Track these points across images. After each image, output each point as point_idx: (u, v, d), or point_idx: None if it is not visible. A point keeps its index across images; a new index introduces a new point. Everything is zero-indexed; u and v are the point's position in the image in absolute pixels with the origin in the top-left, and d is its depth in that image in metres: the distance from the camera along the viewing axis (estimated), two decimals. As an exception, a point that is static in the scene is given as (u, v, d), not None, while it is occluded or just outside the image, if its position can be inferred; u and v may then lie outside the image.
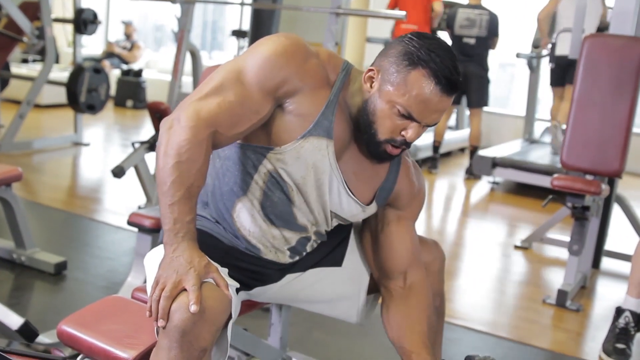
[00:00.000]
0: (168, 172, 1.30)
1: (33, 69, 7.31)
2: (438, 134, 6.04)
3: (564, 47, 5.02)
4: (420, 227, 4.21)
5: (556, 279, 3.59)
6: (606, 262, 3.77)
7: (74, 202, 4.28)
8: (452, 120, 7.07)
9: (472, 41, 5.79)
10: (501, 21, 5.83)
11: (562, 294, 3.12)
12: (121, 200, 4.29)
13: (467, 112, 6.41)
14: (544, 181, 4.89)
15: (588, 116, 3.02)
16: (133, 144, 3.72)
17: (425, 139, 6.01)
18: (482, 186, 5.76)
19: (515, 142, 6.41)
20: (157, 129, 3.48)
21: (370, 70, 1.44)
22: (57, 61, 6.54)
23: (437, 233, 4.35)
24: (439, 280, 1.76)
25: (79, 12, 5.60)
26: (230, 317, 1.32)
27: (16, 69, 7.13)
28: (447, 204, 5.33)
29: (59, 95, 6.30)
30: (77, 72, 5.28)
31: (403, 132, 1.42)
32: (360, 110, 1.46)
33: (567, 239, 3.42)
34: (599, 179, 3.06)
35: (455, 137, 6.89)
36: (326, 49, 1.55)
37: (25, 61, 8.12)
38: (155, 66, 9.26)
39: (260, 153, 1.46)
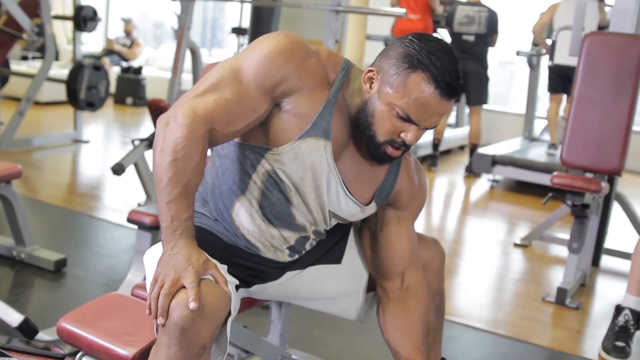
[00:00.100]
0: (165, 170, 1.30)
1: (33, 66, 7.31)
2: (438, 131, 6.04)
3: (562, 56, 5.03)
4: (420, 225, 4.21)
5: (556, 276, 3.59)
6: (606, 260, 3.77)
7: (73, 200, 4.28)
8: (451, 118, 7.07)
9: (471, 38, 5.78)
10: (501, 18, 5.82)
11: (561, 292, 3.12)
12: (121, 198, 4.29)
13: (467, 110, 6.40)
14: (543, 179, 4.89)
15: (588, 114, 3.02)
16: (133, 142, 3.73)
17: (425, 137, 5.99)
18: (482, 184, 5.76)
19: (515, 140, 6.41)
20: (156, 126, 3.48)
21: (370, 70, 1.43)
22: (56, 58, 6.52)
23: (436, 231, 4.35)
24: (439, 278, 1.76)
25: (78, 9, 5.59)
26: (229, 314, 1.31)
27: (16, 66, 7.12)
28: (446, 202, 5.33)
29: (59, 92, 6.31)
30: (77, 69, 5.27)
31: (402, 135, 1.42)
32: (360, 110, 1.45)
33: (566, 236, 3.42)
34: (598, 176, 3.06)
35: (455, 135, 6.89)
36: (326, 47, 1.54)
37: (24, 58, 8.12)
38: (155, 63, 9.26)
39: (258, 153, 1.46)
